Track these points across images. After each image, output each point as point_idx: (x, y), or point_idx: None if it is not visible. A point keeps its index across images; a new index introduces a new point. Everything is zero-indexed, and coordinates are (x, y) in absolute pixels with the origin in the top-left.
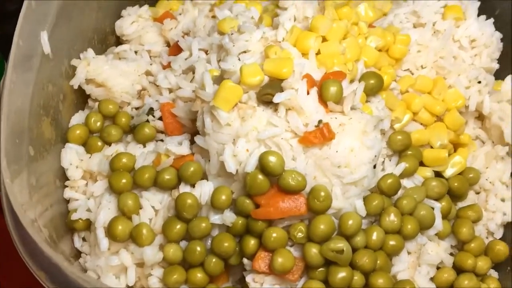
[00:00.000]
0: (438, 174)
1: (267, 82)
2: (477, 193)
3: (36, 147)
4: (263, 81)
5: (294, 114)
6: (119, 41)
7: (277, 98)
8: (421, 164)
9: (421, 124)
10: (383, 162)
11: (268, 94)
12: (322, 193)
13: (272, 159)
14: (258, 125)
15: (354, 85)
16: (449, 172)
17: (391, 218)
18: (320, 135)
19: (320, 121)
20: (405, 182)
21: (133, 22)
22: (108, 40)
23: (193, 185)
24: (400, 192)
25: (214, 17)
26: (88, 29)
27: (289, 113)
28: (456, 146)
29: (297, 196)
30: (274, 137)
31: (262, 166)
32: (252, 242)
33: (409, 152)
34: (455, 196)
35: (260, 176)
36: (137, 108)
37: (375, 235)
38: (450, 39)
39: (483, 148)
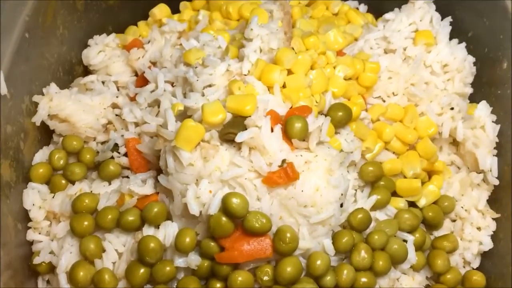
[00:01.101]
0: (412, 204)
1: (230, 120)
2: (453, 220)
3: None
4: (225, 119)
5: (257, 153)
6: (87, 70)
7: (240, 137)
8: (394, 194)
9: (393, 153)
10: (355, 193)
11: (230, 133)
12: (288, 235)
13: (235, 201)
14: (221, 165)
15: (320, 120)
16: (422, 201)
17: (362, 255)
18: (284, 175)
19: (284, 161)
20: (377, 214)
21: (100, 52)
22: (75, 71)
23: (157, 226)
24: (372, 225)
25: (182, 45)
26: (52, 61)
27: (252, 152)
28: (430, 173)
29: (262, 238)
30: (237, 177)
31: (225, 208)
32: (218, 286)
33: (382, 183)
34: (430, 225)
35: (224, 219)
36: (102, 143)
37: (345, 274)
38: (422, 65)
39: (458, 175)
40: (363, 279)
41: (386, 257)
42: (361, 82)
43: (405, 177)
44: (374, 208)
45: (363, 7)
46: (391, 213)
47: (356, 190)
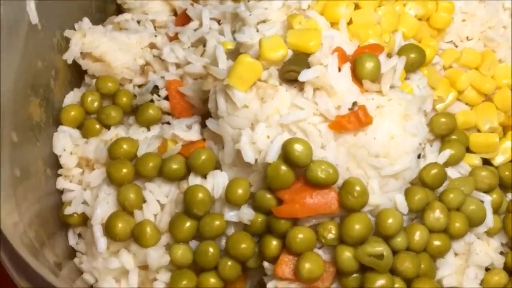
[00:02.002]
0: (486, 162)
1: (290, 57)
2: None
3: (21, 132)
4: (286, 56)
5: (324, 94)
6: (119, 10)
7: (303, 75)
8: (467, 150)
9: (467, 104)
10: (424, 148)
11: (292, 71)
12: (357, 187)
13: (297, 147)
14: (281, 108)
15: (393, 60)
16: (499, 159)
17: (436, 215)
18: (355, 120)
19: (354, 103)
20: (450, 172)
21: None
22: (107, 9)
23: (204, 176)
24: (444, 184)
25: None
26: None
27: (317, 94)
28: (506, 129)
29: (327, 190)
30: (299, 121)
31: (286, 156)
32: (273, 244)
33: (454, 137)
34: (505, 186)
35: (284, 167)
36: (139, 86)
37: (418, 235)
38: (500, 7)
39: None
40: (437, 242)
41: (463, 218)
42: (433, 24)
43: (479, 131)
44: (447, 164)
45: None
46: (465, 171)
47: (424, 144)
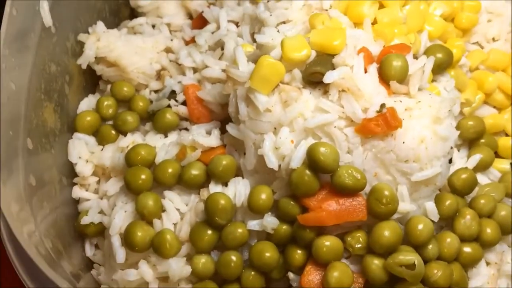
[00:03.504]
0: None
1: (314, 58)
2: None
3: (36, 139)
4: (310, 57)
5: (350, 97)
6: (133, 14)
7: (328, 77)
8: (496, 155)
9: (495, 107)
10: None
11: (316, 72)
12: (386, 193)
13: (323, 152)
14: (305, 111)
15: (421, 60)
16: None
17: (467, 222)
18: (383, 123)
19: (383, 105)
20: (479, 178)
21: None
22: (121, 13)
23: (225, 184)
24: (474, 190)
25: None
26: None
27: (343, 96)
28: None
29: (354, 197)
30: (324, 125)
31: (311, 161)
32: (298, 253)
33: (482, 141)
34: None
35: (309, 173)
36: (156, 91)
37: (449, 243)
38: None
39: None
40: (468, 250)
41: (494, 225)
42: (458, 24)
43: (507, 135)
44: (476, 170)
45: None
46: (494, 177)
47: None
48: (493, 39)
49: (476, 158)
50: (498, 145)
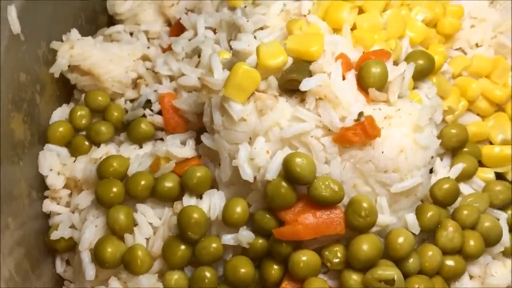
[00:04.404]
0: (499, 176)
1: (291, 65)
2: None
3: (2, 151)
4: (286, 63)
5: (327, 105)
6: (111, 21)
7: (305, 84)
8: (479, 164)
9: (478, 115)
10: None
11: (293, 80)
12: (365, 205)
13: (299, 162)
14: (281, 120)
15: (401, 67)
16: None
17: (450, 234)
18: (362, 132)
19: (361, 114)
20: (462, 188)
21: None
22: (99, 20)
23: (200, 196)
24: (456, 201)
25: None
26: (73, 6)
27: (320, 104)
28: None
29: (332, 210)
30: (301, 135)
31: (287, 172)
32: (275, 268)
33: (465, 150)
34: None
35: (285, 185)
36: (131, 100)
37: (430, 256)
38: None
39: None
40: (450, 263)
41: (478, 237)
42: (441, 29)
43: (491, 143)
44: (459, 179)
45: None
46: (478, 187)
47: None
48: (476, 45)
49: (458, 167)
50: (482, 154)
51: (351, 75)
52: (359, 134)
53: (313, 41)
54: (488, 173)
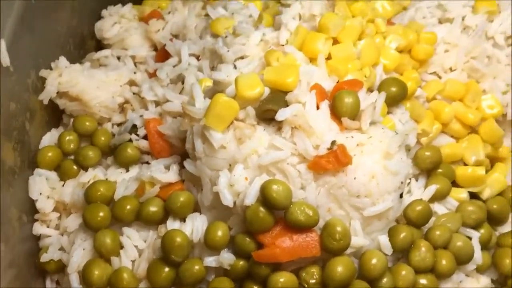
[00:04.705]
0: (473, 195)
1: (268, 95)
2: None
3: None
4: (263, 94)
5: (302, 134)
6: (99, 46)
7: (281, 114)
8: (454, 184)
9: (452, 137)
10: (409, 183)
11: (269, 110)
12: (339, 229)
13: (276, 189)
14: (259, 148)
15: (373, 95)
16: (487, 192)
17: (422, 254)
18: (334, 160)
19: (333, 142)
20: (436, 207)
21: (115, 24)
22: (86, 45)
23: (183, 219)
24: (430, 220)
25: (207, 15)
26: (61, 33)
27: (295, 133)
28: (493, 160)
29: (308, 233)
30: (278, 162)
31: (265, 198)
32: None
33: (440, 171)
34: (494, 220)
35: (263, 210)
36: (119, 124)
37: (404, 276)
38: (483, 36)
39: None
40: (423, 281)
41: (450, 256)
42: (415, 55)
43: (465, 164)
44: (432, 200)
45: None
46: (452, 206)
47: (410, 179)
48: (450, 69)
49: (432, 189)
50: (456, 174)
51: (325, 105)
52: (332, 162)
53: (289, 72)
54: (461, 193)
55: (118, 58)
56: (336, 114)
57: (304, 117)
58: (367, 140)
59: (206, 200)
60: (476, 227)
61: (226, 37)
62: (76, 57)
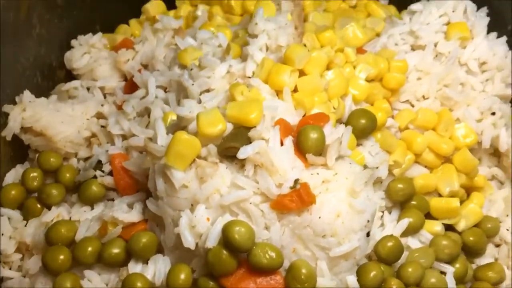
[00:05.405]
0: (449, 227)
1: (231, 131)
2: (497, 245)
3: None
4: (225, 131)
5: (264, 172)
6: (70, 76)
7: (243, 152)
8: (428, 216)
9: (426, 167)
10: (382, 216)
11: (231, 147)
12: (304, 271)
13: (238, 230)
14: (221, 187)
15: (339, 129)
16: (462, 224)
17: None
18: (298, 199)
19: (296, 181)
20: (409, 241)
21: (84, 54)
22: (56, 76)
23: (146, 261)
24: (403, 255)
25: (177, 45)
26: (27, 65)
27: (258, 171)
28: (469, 189)
29: (272, 276)
30: (240, 201)
31: (227, 240)
32: None
33: (413, 203)
34: (471, 252)
35: (225, 253)
36: (86, 159)
37: None
38: (456, 63)
39: (501, 191)
40: None
41: None
42: (386, 84)
43: (440, 195)
44: (406, 233)
45: None
46: (426, 239)
47: (383, 212)
48: (423, 97)
49: (404, 223)
50: (430, 206)
51: (289, 141)
52: (295, 201)
53: (251, 108)
54: (436, 226)
55: (88, 89)
56: (300, 150)
57: (267, 154)
58: (333, 177)
59: (169, 241)
60: (450, 261)
61: (191, 69)
62: (45, 89)
